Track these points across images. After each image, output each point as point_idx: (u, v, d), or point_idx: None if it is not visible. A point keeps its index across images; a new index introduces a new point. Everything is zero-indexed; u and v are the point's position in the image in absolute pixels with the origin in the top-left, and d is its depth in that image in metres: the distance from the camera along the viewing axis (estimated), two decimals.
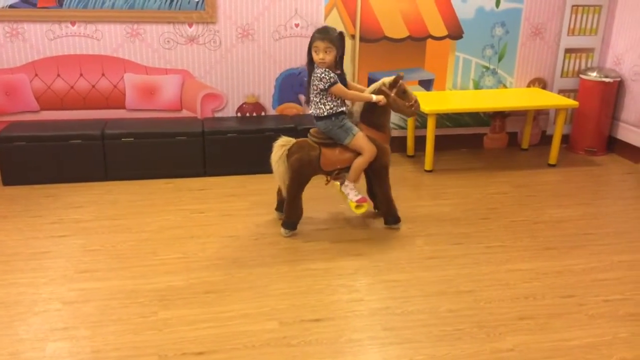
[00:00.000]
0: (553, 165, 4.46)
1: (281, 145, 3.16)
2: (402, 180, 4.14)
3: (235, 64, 4.31)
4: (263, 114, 4.48)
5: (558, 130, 4.40)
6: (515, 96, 4.58)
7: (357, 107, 3.23)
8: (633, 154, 4.55)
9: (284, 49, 4.34)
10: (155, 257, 2.99)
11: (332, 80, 3.06)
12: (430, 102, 4.27)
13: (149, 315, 2.48)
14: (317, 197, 3.79)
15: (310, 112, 3.21)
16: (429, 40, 4.51)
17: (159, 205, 3.65)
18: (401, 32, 4.45)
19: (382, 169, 3.22)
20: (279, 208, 3.39)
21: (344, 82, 3.18)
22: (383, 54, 4.48)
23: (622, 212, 3.68)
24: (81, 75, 4.14)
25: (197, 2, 4.10)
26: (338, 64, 3.16)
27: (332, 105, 3.13)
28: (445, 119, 4.69)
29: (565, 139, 4.81)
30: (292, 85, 4.44)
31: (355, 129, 3.14)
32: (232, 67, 4.32)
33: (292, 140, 3.18)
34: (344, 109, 3.17)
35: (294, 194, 3.17)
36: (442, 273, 2.88)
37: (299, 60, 4.37)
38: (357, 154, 3.14)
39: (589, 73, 4.63)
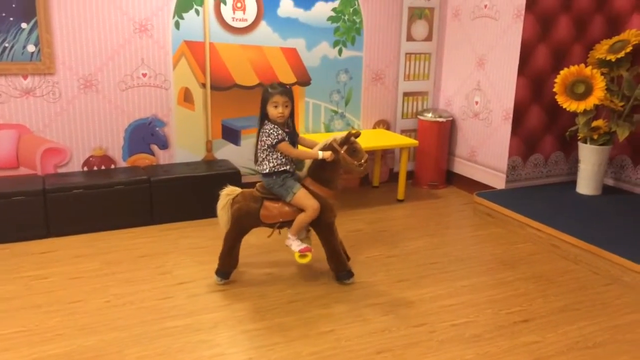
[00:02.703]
0: (401, 201, 4.77)
1: (226, 195, 3.18)
2: None
3: (78, 115, 4.09)
4: (113, 166, 4.27)
5: (403, 168, 4.73)
6: (363, 137, 4.84)
7: (308, 161, 3.18)
8: (468, 185, 5.02)
9: (131, 99, 4.21)
10: None
11: (279, 137, 3.05)
12: None
13: None
14: (172, 251, 3.68)
15: (256, 167, 3.20)
16: None
17: None
18: (251, 79, 4.54)
19: (325, 226, 3.16)
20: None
21: (295, 139, 3.18)
22: (235, 101, 4.53)
23: (462, 240, 4.02)
24: None
25: (33, 53, 3.85)
26: (289, 121, 3.16)
27: (275, 164, 3.11)
28: (300, 162, 4.81)
29: (410, 174, 5.19)
30: (142, 135, 4.30)
31: (297, 187, 3.09)
32: (75, 119, 4.09)
33: (238, 190, 3.19)
34: (287, 167, 3.13)
35: (231, 243, 3.17)
36: (304, 316, 2.91)
37: (149, 110, 4.27)
38: (300, 209, 3.10)
39: (425, 114, 5.08)
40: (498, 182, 4.77)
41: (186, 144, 4.46)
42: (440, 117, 5.03)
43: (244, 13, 4.39)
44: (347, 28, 4.77)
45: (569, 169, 4.99)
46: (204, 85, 4.41)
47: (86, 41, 4.00)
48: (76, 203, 3.85)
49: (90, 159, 4.20)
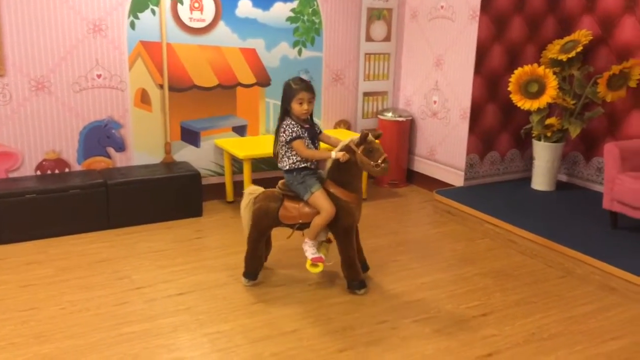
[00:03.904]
0: (364, 199, 4.78)
1: (249, 194, 3.15)
2: (223, 227, 4.12)
3: (30, 118, 3.96)
4: (67, 170, 4.15)
5: None
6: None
7: (329, 163, 3.06)
8: (428, 183, 5.09)
9: (86, 101, 4.11)
10: None
11: (293, 134, 2.98)
12: (244, 147, 4.35)
13: None
14: (130, 255, 3.61)
15: (278, 164, 3.14)
16: (239, 88, 4.62)
17: None
18: (210, 80, 4.49)
19: (342, 231, 3.04)
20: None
21: (316, 135, 3.10)
22: (194, 102, 4.47)
23: (423, 237, 4.07)
24: None
25: None
26: (309, 117, 3.09)
27: (295, 160, 3.03)
28: (262, 163, 4.80)
29: None
30: (98, 138, 4.20)
31: (316, 186, 3.00)
32: (27, 122, 3.96)
33: (260, 189, 3.16)
34: (307, 164, 3.05)
35: (253, 243, 3.12)
36: (266, 317, 2.89)
37: (104, 112, 4.17)
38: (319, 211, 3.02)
39: (385, 113, 5.12)
40: (457, 179, 4.86)
41: (144, 146, 4.38)
42: (400, 116, 5.09)
43: (201, 13, 4.34)
44: (306, 28, 4.77)
45: (525, 166, 5.12)
46: (161, 87, 4.33)
47: (37, 42, 3.88)
48: (29, 208, 3.72)
49: (44, 162, 4.07)
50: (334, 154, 2.95)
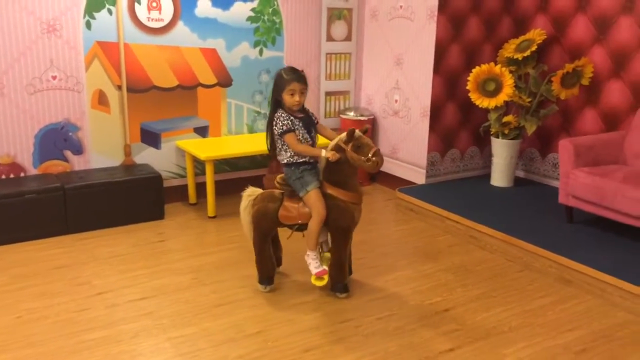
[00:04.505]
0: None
1: (247, 196, 3.10)
2: (185, 229, 4.08)
3: None
4: (22, 174, 4.03)
5: None
6: None
7: (322, 163, 2.96)
8: (391, 182, 5.15)
9: (41, 103, 4.00)
10: None
11: (284, 128, 2.90)
12: (206, 148, 4.31)
13: None
14: (90, 260, 3.53)
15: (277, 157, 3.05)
16: (200, 89, 4.58)
17: None
18: (170, 81, 4.43)
19: (341, 231, 2.98)
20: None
21: (313, 125, 3.01)
22: (154, 103, 4.40)
23: (386, 235, 4.11)
24: None
25: None
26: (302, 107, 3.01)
27: (292, 153, 2.95)
28: (224, 164, 4.76)
29: None
30: (54, 141, 4.09)
31: (313, 185, 2.93)
32: None
33: (259, 191, 3.11)
34: (305, 159, 2.96)
35: (260, 247, 3.08)
36: (231, 319, 2.87)
37: (60, 114, 4.07)
38: None
39: (348, 113, 5.15)
40: (419, 177, 4.93)
41: (103, 149, 4.29)
42: (361, 115, 5.12)
43: (159, 13, 4.28)
44: (267, 28, 4.76)
45: (484, 163, 5.23)
46: (119, 88, 4.25)
47: None
48: None
49: None
50: (323, 153, 2.89)
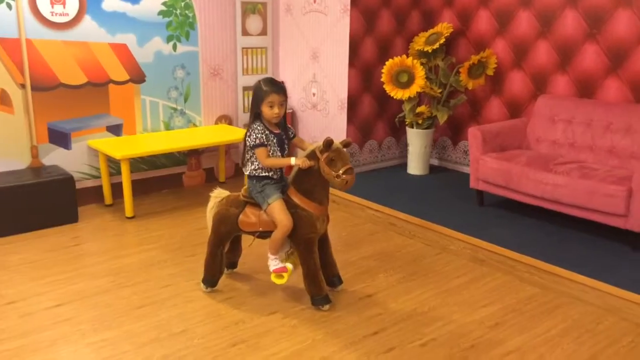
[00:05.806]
0: None
1: (214, 197, 3.06)
2: (102, 231, 3.93)
3: None
4: None
5: None
6: (205, 134, 4.80)
7: (294, 169, 2.87)
8: None
9: None
10: None
11: (257, 141, 2.81)
12: (121, 147, 4.17)
13: None
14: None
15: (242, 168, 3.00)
16: (111, 85, 4.41)
17: None
18: (79, 78, 4.24)
19: (302, 241, 2.85)
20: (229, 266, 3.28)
21: (286, 142, 2.92)
22: (62, 101, 4.20)
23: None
24: None
25: None
26: (282, 120, 2.89)
27: (257, 166, 2.86)
28: (141, 163, 4.63)
29: None
30: None
31: (274, 197, 2.82)
32: None
33: (226, 193, 3.05)
34: (269, 174, 2.87)
35: (212, 249, 3.01)
36: (154, 319, 2.81)
37: None
38: None
39: None
40: None
41: (7, 151, 4.04)
42: None
43: (64, 7, 4.07)
44: (179, 23, 4.66)
45: (400, 152, 5.41)
46: (23, 86, 4.02)
47: None
48: None
49: None
50: (293, 160, 2.81)
